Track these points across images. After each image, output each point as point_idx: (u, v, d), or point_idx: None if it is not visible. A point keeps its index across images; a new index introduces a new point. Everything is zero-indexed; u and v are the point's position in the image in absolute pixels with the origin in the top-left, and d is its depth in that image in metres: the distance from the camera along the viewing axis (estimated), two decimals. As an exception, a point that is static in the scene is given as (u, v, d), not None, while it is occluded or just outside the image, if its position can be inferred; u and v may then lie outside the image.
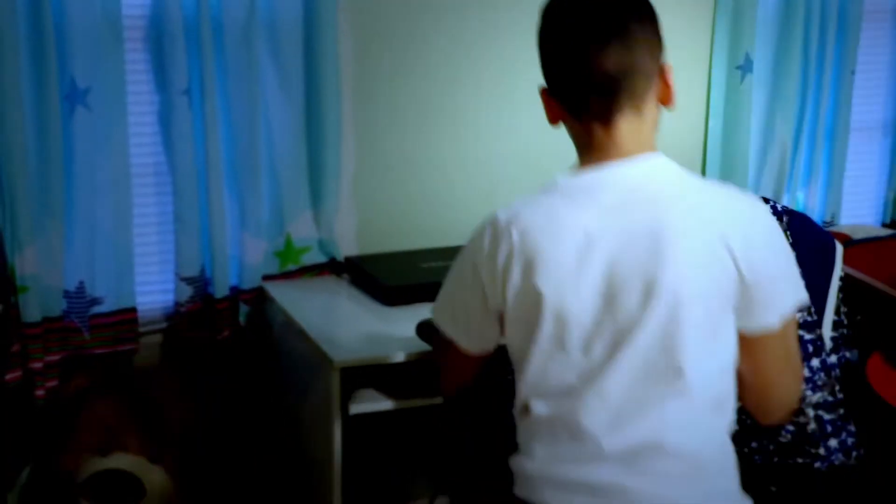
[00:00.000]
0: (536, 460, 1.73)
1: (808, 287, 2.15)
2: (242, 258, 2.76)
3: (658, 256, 1.65)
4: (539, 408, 1.73)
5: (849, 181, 3.40)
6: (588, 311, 1.68)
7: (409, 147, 2.94)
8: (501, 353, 1.92)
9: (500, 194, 2.89)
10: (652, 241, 1.66)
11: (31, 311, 2.51)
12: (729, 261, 1.66)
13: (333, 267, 2.88)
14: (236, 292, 2.77)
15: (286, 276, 2.83)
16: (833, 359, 2.19)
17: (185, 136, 2.63)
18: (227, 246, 2.72)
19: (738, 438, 2.09)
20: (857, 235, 2.92)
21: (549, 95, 1.78)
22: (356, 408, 2.30)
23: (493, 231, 1.75)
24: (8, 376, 2.46)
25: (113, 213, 2.60)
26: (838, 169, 3.35)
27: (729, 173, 3.20)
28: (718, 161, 3.21)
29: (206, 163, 2.66)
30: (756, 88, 3.21)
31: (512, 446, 1.82)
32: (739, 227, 1.68)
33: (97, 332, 2.64)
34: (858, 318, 2.31)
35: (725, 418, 1.74)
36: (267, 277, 2.81)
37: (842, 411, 2.12)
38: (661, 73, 1.75)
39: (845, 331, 2.24)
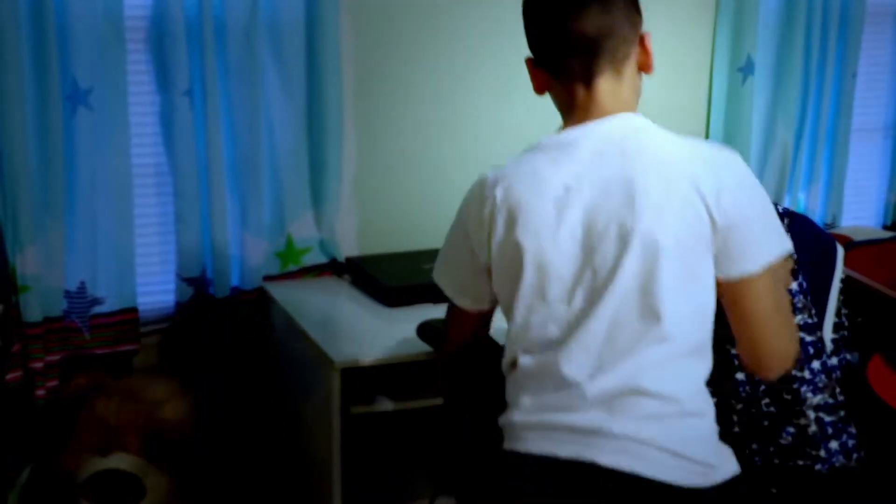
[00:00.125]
0: (523, 411, 1.77)
1: (810, 289, 2.16)
2: (243, 259, 2.76)
3: (631, 205, 1.71)
4: (525, 360, 1.78)
5: (850, 183, 3.40)
6: (567, 261, 1.74)
7: (410, 148, 2.94)
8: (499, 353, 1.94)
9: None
10: (626, 190, 1.72)
11: (32, 310, 2.51)
12: (701, 206, 1.71)
13: (334, 267, 2.88)
14: (237, 293, 2.77)
15: (287, 276, 2.83)
16: (834, 361, 2.19)
17: (186, 137, 2.63)
18: (228, 246, 2.72)
19: (739, 440, 2.10)
20: (858, 237, 2.92)
21: (534, 65, 1.86)
22: (357, 408, 2.31)
23: (481, 189, 1.83)
24: (9, 376, 2.46)
25: (114, 214, 2.60)
26: (839, 171, 3.35)
27: (730, 175, 3.20)
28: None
29: (208, 163, 2.66)
30: (757, 90, 3.21)
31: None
32: (711, 173, 1.73)
33: (98, 333, 2.64)
34: (859, 320, 2.31)
35: (703, 364, 1.78)
36: (268, 278, 2.81)
37: (842, 413, 2.12)
38: (641, 41, 1.83)
39: (846, 333, 2.24)
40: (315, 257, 2.86)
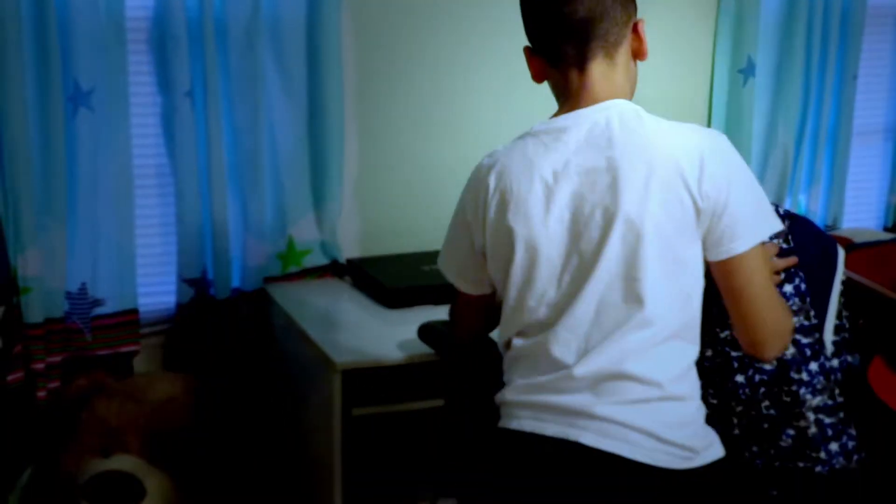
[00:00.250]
0: (515, 390, 1.83)
1: (810, 291, 2.16)
2: (244, 260, 2.76)
3: (615, 191, 1.75)
4: (518, 342, 1.85)
5: (851, 185, 3.40)
6: (556, 245, 1.79)
7: (411, 149, 2.94)
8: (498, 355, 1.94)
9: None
10: (611, 176, 1.76)
11: (34, 312, 2.51)
12: (684, 192, 1.75)
13: (335, 269, 2.88)
14: (238, 294, 2.77)
15: (288, 278, 2.83)
16: (835, 363, 2.19)
17: (187, 138, 2.63)
18: (229, 248, 2.72)
19: (739, 443, 2.09)
20: (859, 239, 2.92)
21: (531, 53, 1.90)
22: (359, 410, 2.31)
23: (477, 175, 1.90)
24: (10, 377, 2.45)
25: (115, 215, 2.60)
26: (840, 173, 3.35)
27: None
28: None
29: (209, 164, 2.66)
30: (758, 92, 3.21)
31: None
32: (695, 158, 1.76)
33: (99, 334, 2.64)
34: (860, 322, 2.31)
35: (688, 348, 1.81)
36: (269, 279, 2.81)
37: (842, 415, 2.12)
38: (635, 28, 1.86)
39: (847, 335, 2.24)
40: (316, 259, 2.86)
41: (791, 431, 2.09)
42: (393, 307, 2.61)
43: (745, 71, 3.17)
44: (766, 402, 2.10)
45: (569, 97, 1.86)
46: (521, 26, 1.90)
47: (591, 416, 1.75)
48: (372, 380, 2.34)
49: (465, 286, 1.99)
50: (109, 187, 2.59)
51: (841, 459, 2.10)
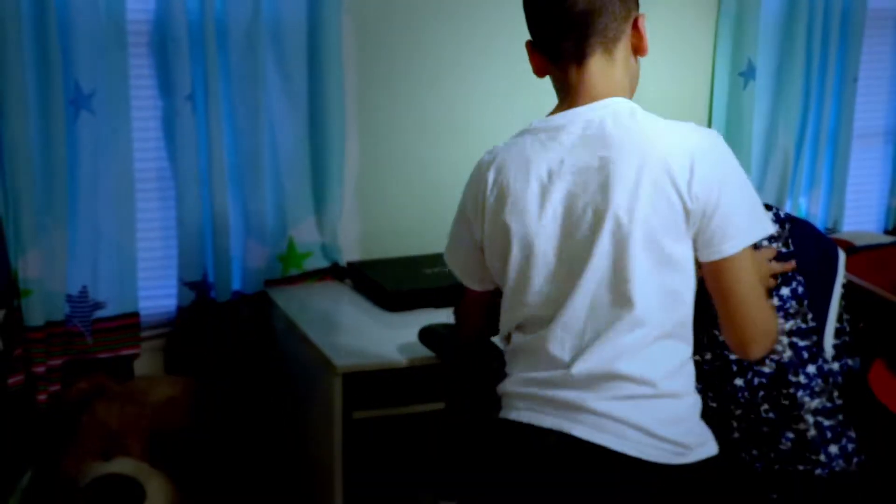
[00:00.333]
0: (516, 382, 1.86)
1: (811, 295, 2.16)
2: (245, 263, 2.77)
3: (606, 191, 1.76)
4: (517, 337, 1.88)
5: (851, 188, 3.40)
6: (550, 242, 1.81)
7: (412, 152, 2.94)
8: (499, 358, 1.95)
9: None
10: (602, 175, 1.77)
11: (34, 315, 2.51)
12: (673, 193, 1.75)
13: (336, 272, 2.88)
14: (239, 297, 2.77)
15: (289, 280, 2.83)
16: (835, 366, 2.19)
17: (188, 141, 2.63)
18: (229, 251, 2.72)
19: (738, 446, 2.09)
20: (860, 242, 2.92)
21: (533, 48, 1.91)
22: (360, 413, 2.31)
23: (478, 171, 1.92)
24: (10, 380, 2.45)
25: (116, 218, 2.60)
26: (841, 176, 3.35)
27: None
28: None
29: (210, 167, 2.66)
30: (759, 95, 3.21)
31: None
32: (686, 159, 1.76)
33: (100, 337, 2.64)
34: (861, 325, 2.31)
35: (681, 346, 1.82)
36: (269, 282, 2.81)
37: (841, 417, 2.12)
38: (635, 23, 1.86)
39: (847, 338, 2.24)
40: (317, 261, 2.86)
41: (790, 434, 2.09)
42: (393, 310, 2.61)
43: (746, 74, 3.17)
44: (766, 406, 2.10)
45: (567, 94, 1.87)
46: (523, 27, 1.91)
47: (586, 410, 1.77)
48: (373, 383, 2.34)
49: (470, 282, 2.01)
50: (110, 190, 2.59)
51: (841, 462, 2.10)
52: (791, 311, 2.12)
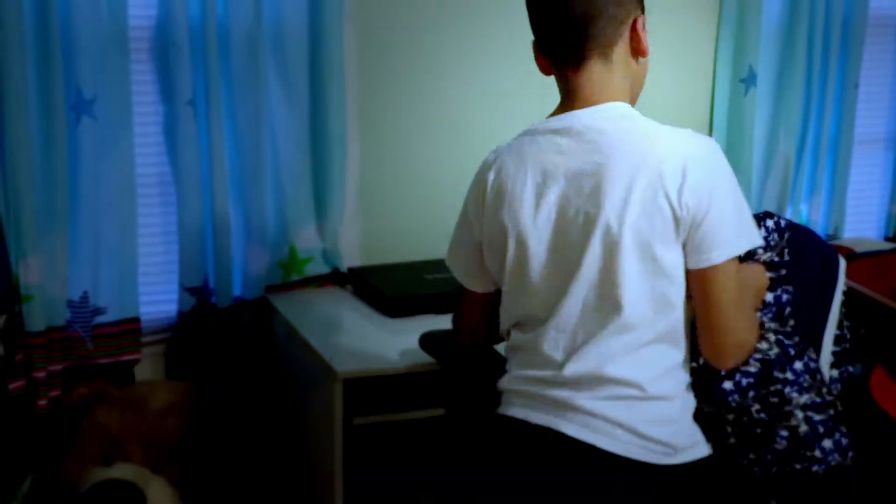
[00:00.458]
0: (513, 379, 1.90)
1: (811, 301, 2.16)
2: (246, 268, 2.77)
3: (597, 196, 1.78)
4: (515, 334, 1.92)
5: (852, 195, 3.40)
6: (543, 244, 1.83)
7: (413, 158, 2.94)
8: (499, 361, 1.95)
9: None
10: (595, 180, 1.79)
11: (35, 320, 2.51)
12: (663, 199, 1.76)
13: (337, 277, 2.88)
14: (240, 302, 2.77)
15: (290, 286, 2.83)
16: (834, 373, 2.19)
17: (189, 146, 2.63)
18: (230, 256, 2.72)
19: (735, 452, 2.09)
20: (860, 249, 2.92)
21: (538, 49, 1.92)
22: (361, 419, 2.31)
23: (481, 171, 1.95)
24: (11, 385, 2.45)
25: (117, 223, 2.60)
26: (841, 182, 3.35)
27: (732, 186, 3.20)
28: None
29: (211, 173, 2.66)
30: (760, 101, 3.21)
31: None
32: (678, 166, 1.77)
33: (100, 342, 2.64)
34: (861, 331, 2.31)
35: (672, 350, 1.84)
36: (270, 288, 2.81)
37: (832, 412, 2.11)
38: (634, 25, 1.86)
39: (848, 345, 2.24)
40: (318, 267, 2.86)
41: (784, 433, 2.08)
42: (394, 316, 2.61)
43: (747, 80, 3.17)
44: (756, 406, 2.09)
45: (566, 96, 1.89)
46: (525, 32, 1.92)
47: (576, 409, 1.80)
48: (373, 388, 2.34)
49: (472, 283, 2.02)
50: (111, 196, 2.59)
51: (836, 456, 2.09)
52: (769, 314, 2.12)
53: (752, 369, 2.08)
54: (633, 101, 1.92)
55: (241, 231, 2.75)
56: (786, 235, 2.18)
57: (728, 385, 2.09)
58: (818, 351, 2.18)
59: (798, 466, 2.07)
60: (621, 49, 1.86)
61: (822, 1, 3.16)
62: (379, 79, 2.88)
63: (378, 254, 2.93)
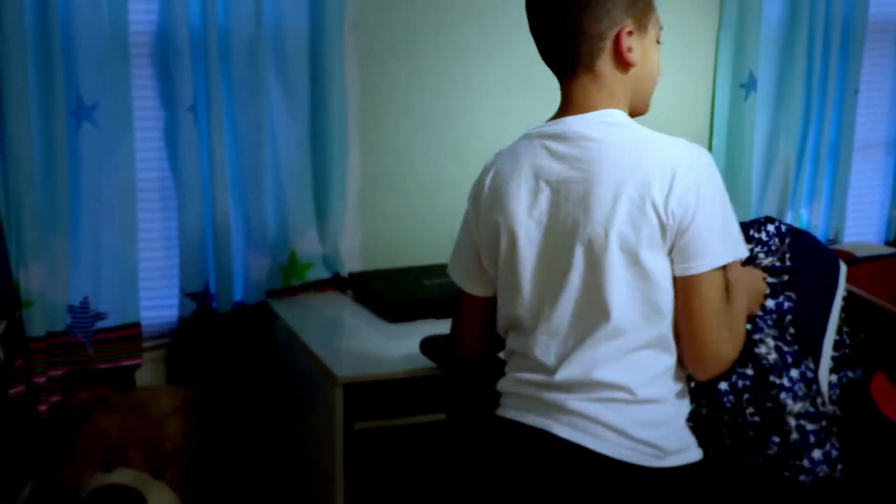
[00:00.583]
0: (509, 381, 1.93)
1: (812, 305, 2.16)
2: (247, 274, 2.77)
3: (586, 202, 1.81)
4: (511, 337, 1.95)
5: (852, 199, 3.40)
6: (535, 249, 1.86)
7: (414, 163, 2.95)
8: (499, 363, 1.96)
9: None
10: (583, 188, 1.81)
11: (36, 325, 2.51)
12: (650, 207, 1.78)
13: (337, 283, 2.88)
14: (240, 308, 2.77)
15: (290, 291, 2.83)
16: (833, 378, 2.19)
17: (190, 152, 2.64)
18: (231, 261, 2.72)
19: (731, 453, 2.09)
20: (861, 254, 2.92)
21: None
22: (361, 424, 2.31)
23: (481, 174, 1.99)
24: (11, 391, 2.45)
25: (118, 229, 2.61)
26: (842, 187, 3.35)
27: (732, 191, 3.14)
28: (722, 178, 3.21)
29: (212, 179, 2.67)
30: (760, 106, 3.21)
31: None
32: (666, 175, 1.78)
33: (101, 347, 2.64)
34: (861, 336, 2.31)
35: (663, 356, 1.85)
36: (271, 293, 2.81)
37: (824, 423, 2.11)
38: (618, 37, 1.85)
39: (847, 350, 2.24)
40: (318, 272, 2.86)
41: (776, 438, 2.08)
42: (395, 321, 2.61)
43: (747, 85, 3.17)
44: (751, 409, 2.09)
45: (562, 102, 1.91)
46: (525, 37, 1.94)
47: (567, 411, 1.82)
48: (374, 393, 2.34)
49: (471, 286, 2.02)
50: (112, 201, 2.59)
51: (825, 468, 2.09)
52: (770, 321, 2.12)
53: (749, 371, 2.08)
54: (637, 108, 1.93)
55: (242, 236, 2.75)
56: (786, 240, 2.18)
57: (724, 386, 2.09)
58: (818, 356, 2.17)
59: (787, 474, 2.07)
60: (605, 61, 1.86)
61: (822, 6, 3.17)
62: (379, 84, 2.89)
63: (379, 259, 2.93)
